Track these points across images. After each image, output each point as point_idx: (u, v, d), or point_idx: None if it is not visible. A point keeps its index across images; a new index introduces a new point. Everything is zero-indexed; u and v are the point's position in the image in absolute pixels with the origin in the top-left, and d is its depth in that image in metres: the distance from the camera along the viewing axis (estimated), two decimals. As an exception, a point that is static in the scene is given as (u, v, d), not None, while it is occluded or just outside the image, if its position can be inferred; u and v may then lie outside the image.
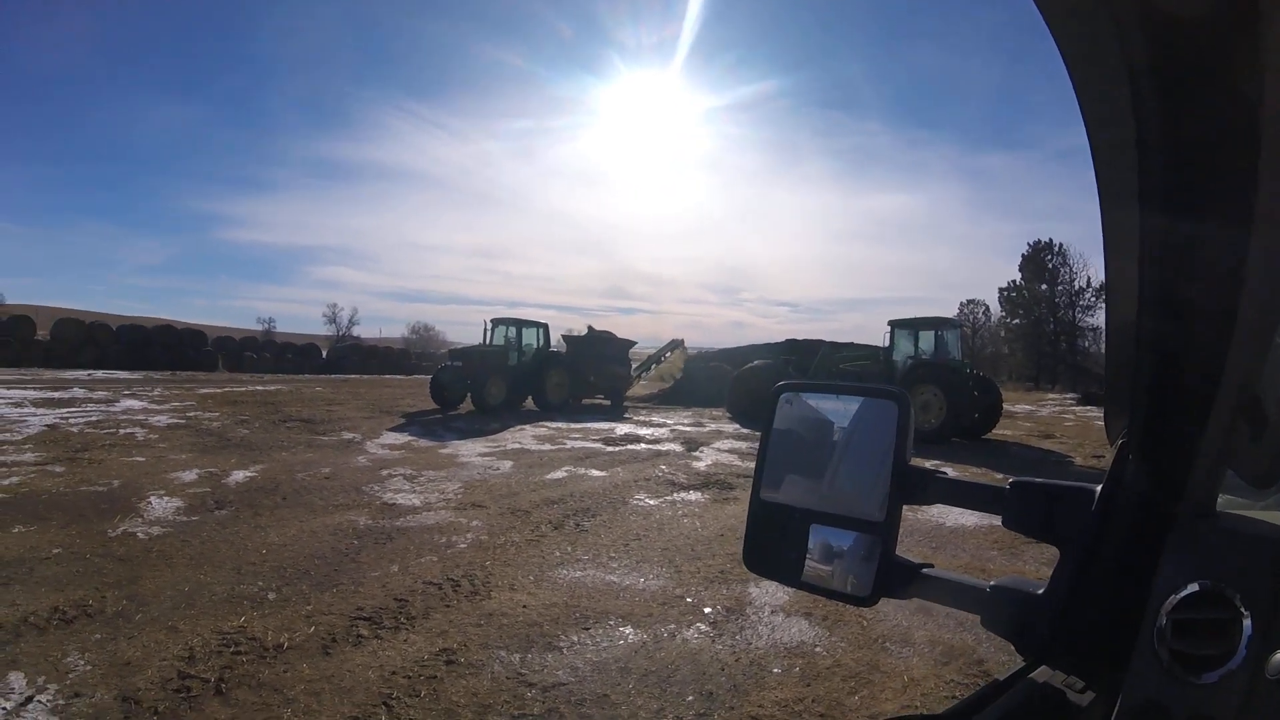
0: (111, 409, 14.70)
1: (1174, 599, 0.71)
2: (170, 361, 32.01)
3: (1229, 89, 0.58)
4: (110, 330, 33.41)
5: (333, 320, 66.47)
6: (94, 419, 13.13)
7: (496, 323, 20.82)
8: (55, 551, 5.85)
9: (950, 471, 0.89)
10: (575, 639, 4.65)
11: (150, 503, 7.58)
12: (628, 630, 4.82)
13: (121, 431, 12.02)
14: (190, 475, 9.04)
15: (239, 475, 9.23)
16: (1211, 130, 0.62)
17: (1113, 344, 0.84)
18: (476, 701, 3.83)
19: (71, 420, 12.80)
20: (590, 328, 24.78)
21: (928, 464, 0.90)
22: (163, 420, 13.56)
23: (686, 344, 31.07)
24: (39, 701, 3.62)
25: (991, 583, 0.84)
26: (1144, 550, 0.77)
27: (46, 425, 12.08)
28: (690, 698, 3.98)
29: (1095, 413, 23.60)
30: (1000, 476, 0.83)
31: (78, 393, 17.11)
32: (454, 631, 4.70)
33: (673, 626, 4.91)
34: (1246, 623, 0.67)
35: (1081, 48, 0.65)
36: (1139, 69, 0.61)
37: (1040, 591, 0.81)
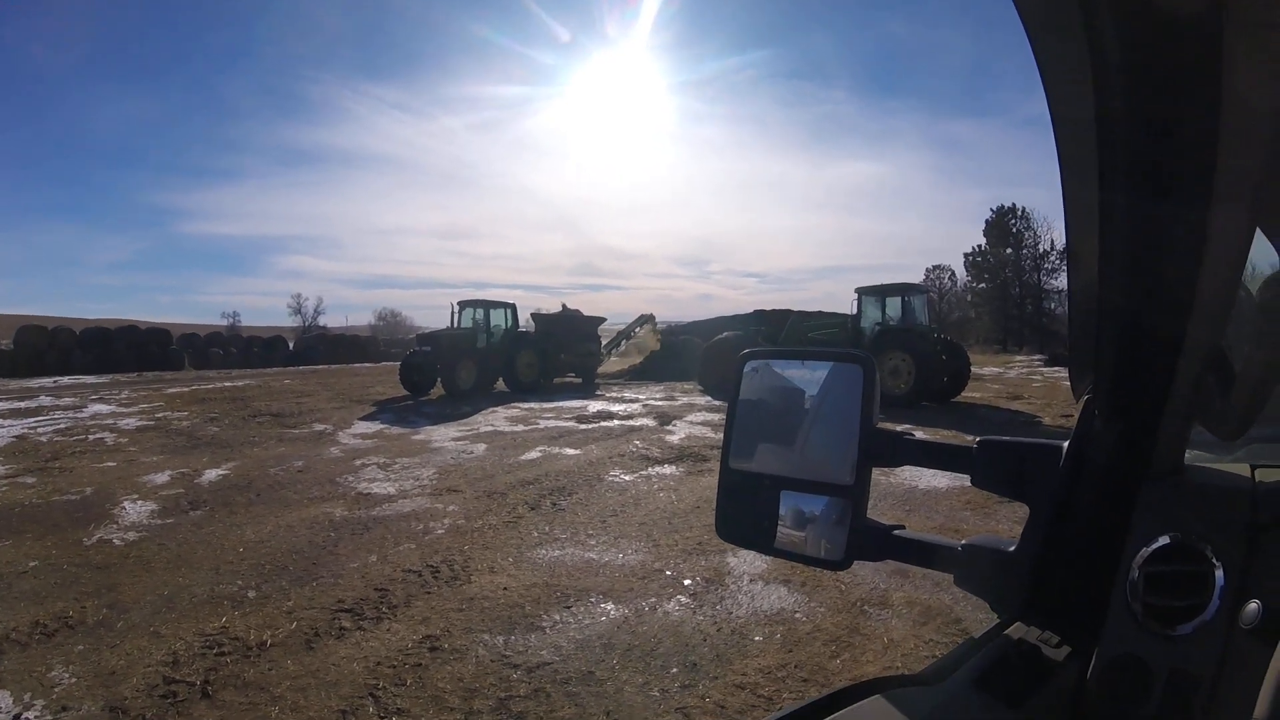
0: (79, 415, 14.41)
1: (1145, 552, 0.73)
2: (136, 362, 31.29)
3: (1191, 71, 0.61)
4: (74, 334, 32.61)
5: (298, 311, 66.13)
6: (62, 426, 12.86)
7: (464, 305, 20.62)
8: (32, 564, 5.80)
9: (919, 434, 0.90)
10: (557, 618, 4.72)
11: (124, 508, 7.51)
12: (609, 606, 4.90)
13: (91, 437, 11.82)
14: (163, 477, 8.95)
15: (212, 474, 9.16)
16: (1172, 111, 0.64)
17: (1075, 304, 0.85)
18: (463, 686, 3.89)
19: (40, 429, 12.53)
20: (564, 306, 24.66)
21: (898, 428, 0.92)
22: (131, 423, 13.32)
23: (656, 318, 31.09)
24: (27, 719, 3.63)
25: (963, 542, 0.84)
26: (1114, 505, 0.78)
27: (14, 436, 11.83)
28: (674, 670, 4.06)
29: (1063, 374, 23.91)
30: (970, 438, 0.85)
31: (44, 400, 16.73)
32: (436, 618, 4.75)
33: (653, 600, 5.00)
34: (1218, 574, 0.69)
35: (1047, 27, 0.66)
36: (1102, 48, 0.62)
37: (1012, 549, 0.82)
